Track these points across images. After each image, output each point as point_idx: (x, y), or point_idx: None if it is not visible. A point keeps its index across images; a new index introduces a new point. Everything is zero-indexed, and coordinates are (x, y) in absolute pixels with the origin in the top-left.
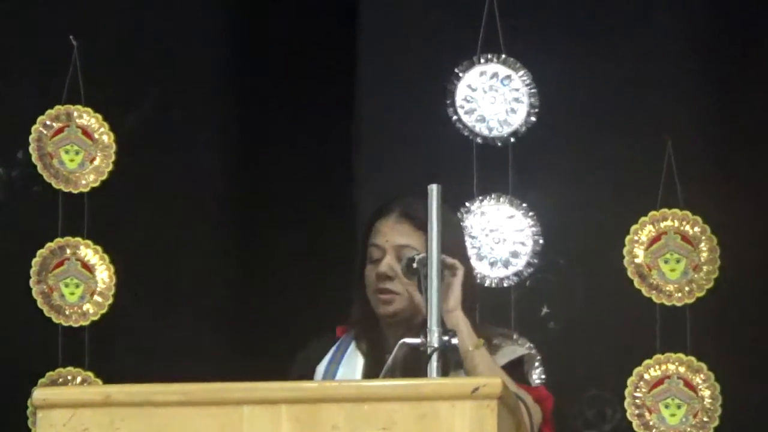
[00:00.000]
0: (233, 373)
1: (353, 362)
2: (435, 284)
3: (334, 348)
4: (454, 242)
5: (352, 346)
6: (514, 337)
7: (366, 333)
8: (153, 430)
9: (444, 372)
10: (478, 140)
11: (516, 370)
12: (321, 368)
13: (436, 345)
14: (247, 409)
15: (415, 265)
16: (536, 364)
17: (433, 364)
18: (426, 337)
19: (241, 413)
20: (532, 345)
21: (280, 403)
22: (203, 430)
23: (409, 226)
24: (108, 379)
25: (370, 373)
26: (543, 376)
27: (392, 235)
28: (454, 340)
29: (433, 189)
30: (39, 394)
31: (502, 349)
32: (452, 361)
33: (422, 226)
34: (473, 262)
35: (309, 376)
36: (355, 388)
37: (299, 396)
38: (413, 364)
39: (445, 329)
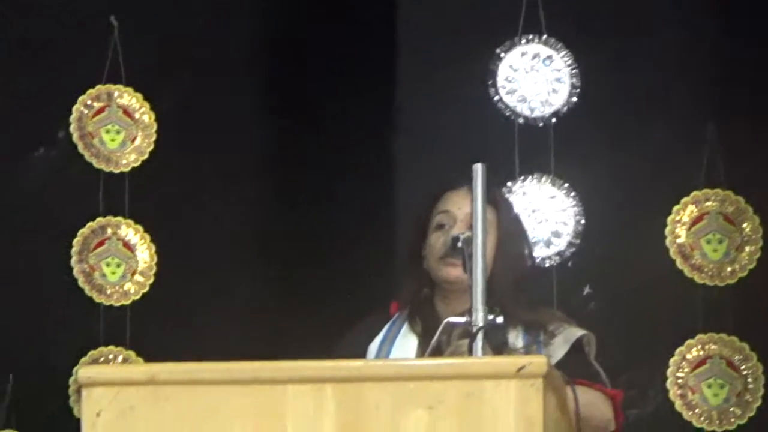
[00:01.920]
0: (276, 353)
1: (407, 342)
2: (479, 264)
3: (387, 326)
4: (516, 222)
5: (406, 325)
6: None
7: (420, 311)
8: (197, 409)
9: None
10: (520, 120)
11: (578, 352)
12: (374, 347)
13: (481, 324)
14: (291, 388)
15: (459, 244)
16: (594, 343)
17: (478, 342)
18: (471, 316)
19: (285, 392)
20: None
21: (324, 383)
22: (247, 408)
23: None
24: (149, 358)
25: (424, 353)
26: None
27: (464, 204)
28: (499, 319)
29: (478, 168)
30: (84, 372)
31: (559, 335)
32: (497, 340)
33: (492, 201)
34: None
35: (361, 353)
36: (399, 367)
37: (344, 375)
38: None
39: (490, 308)
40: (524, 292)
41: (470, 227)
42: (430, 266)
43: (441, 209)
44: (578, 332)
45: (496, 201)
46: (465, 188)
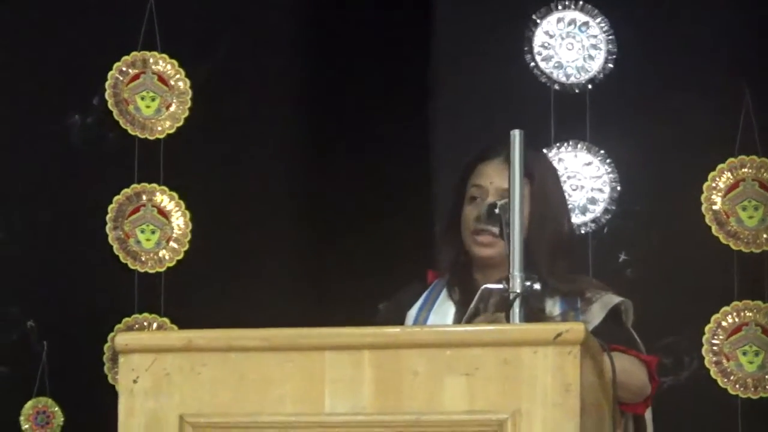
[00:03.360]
0: (312, 320)
1: (445, 310)
2: (517, 230)
3: (425, 294)
4: (556, 190)
5: (444, 293)
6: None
7: (458, 279)
8: (234, 376)
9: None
10: (556, 87)
11: (614, 319)
12: (412, 313)
13: (518, 290)
14: (329, 355)
15: (497, 210)
16: (631, 310)
17: (516, 309)
18: (509, 282)
19: (323, 359)
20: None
21: (362, 349)
22: (285, 375)
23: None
24: (184, 326)
25: (461, 320)
26: None
27: (496, 177)
28: (536, 285)
29: (516, 134)
30: (121, 339)
31: (597, 302)
32: (534, 307)
33: (526, 173)
34: None
35: (399, 320)
36: (437, 334)
37: (381, 341)
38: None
39: (527, 275)
40: (562, 259)
41: (503, 198)
42: (463, 238)
43: (474, 182)
44: (615, 299)
45: (531, 172)
46: (497, 160)
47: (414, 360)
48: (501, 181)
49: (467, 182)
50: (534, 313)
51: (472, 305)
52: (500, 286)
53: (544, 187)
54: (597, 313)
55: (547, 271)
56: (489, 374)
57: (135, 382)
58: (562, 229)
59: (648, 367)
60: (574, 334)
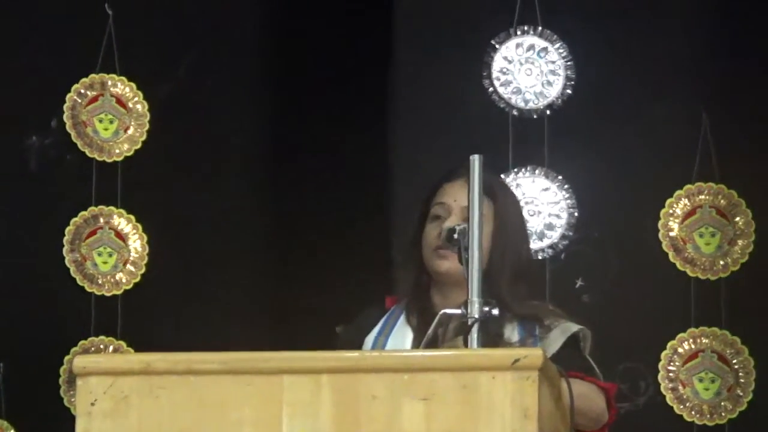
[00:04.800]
0: (269, 344)
1: (402, 335)
2: (476, 255)
3: (384, 319)
4: (518, 213)
5: (402, 318)
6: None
7: (416, 304)
8: (193, 399)
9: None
10: (514, 112)
11: (573, 347)
12: (370, 339)
13: (477, 316)
14: (287, 379)
15: (456, 235)
16: (590, 339)
17: (474, 335)
18: (467, 308)
19: (281, 383)
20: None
21: (320, 373)
22: (243, 399)
23: None
24: (140, 349)
25: (419, 345)
26: None
27: (460, 196)
28: (495, 311)
29: (476, 159)
30: (79, 361)
31: (555, 329)
32: (492, 333)
33: (490, 193)
34: None
35: (357, 345)
36: (395, 358)
37: (340, 366)
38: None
39: (486, 300)
40: (522, 283)
41: (465, 219)
42: (424, 257)
43: (437, 201)
44: (574, 327)
45: (494, 192)
46: (462, 180)
47: (372, 384)
48: (465, 199)
49: (431, 202)
50: (492, 338)
51: (431, 330)
52: (459, 311)
53: (507, 208)
54: (555, 340)
55: (507, 293)
56: (447, 399)
57: (93, 404)
58: (524, 253)
59: (606, 394)
60: (532, 360)
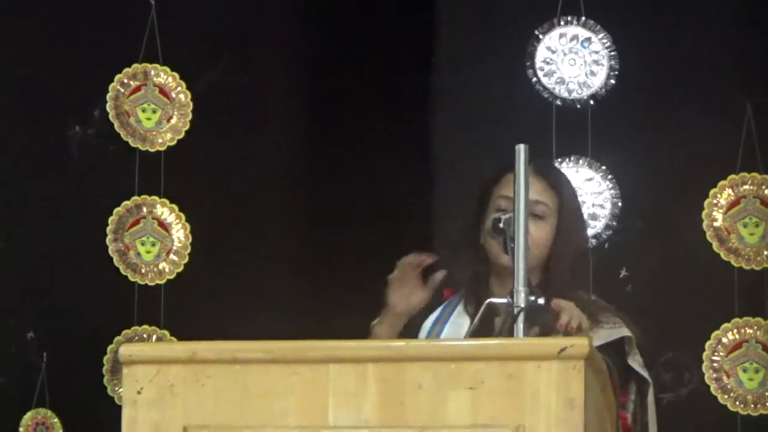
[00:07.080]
0: (311, 333)
1: (459, 323)
2: (522, 245)
3: (441, 306)
4: (579, 206)
5: (460, 306)
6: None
7: (474, 294)
8: (238, 387)
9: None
10: (558, 102)
11: (615, 350)
12: (427, 324)
13: (522, 305)
14: (333, 368)
15: (501, 225)
16: (634, 346)
17: (520, 324)
18: (513, 297)
19: (327, 372)
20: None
21: (366, 362)
22: (289, 388)
23: (542, 184)
24: (183, 338)
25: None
26: None
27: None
28: (540, 300)
29: (521, 149)
30: (125, 350)
31: (605, 328)
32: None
33: (555, 185)
34: None
35: (414, 332)
36: (441, 347)
37: (385, 355)
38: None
39: (532, 289)
40: (579, 276)
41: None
42: (486, 247)
43: (501, 193)
44: (624, 331)
45: (560, 185)
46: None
47: (418, 373)
48: (530, 192)
49: (491, 193)
50: (543, 328)
51: (476, 319)
52: (504, 300)
53: (571, 202)
54: (600, 338)
55: (568, 286)
56: (493, 388)
57: (139, 393)
58: (584, 246)
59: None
60: (578, 349)
